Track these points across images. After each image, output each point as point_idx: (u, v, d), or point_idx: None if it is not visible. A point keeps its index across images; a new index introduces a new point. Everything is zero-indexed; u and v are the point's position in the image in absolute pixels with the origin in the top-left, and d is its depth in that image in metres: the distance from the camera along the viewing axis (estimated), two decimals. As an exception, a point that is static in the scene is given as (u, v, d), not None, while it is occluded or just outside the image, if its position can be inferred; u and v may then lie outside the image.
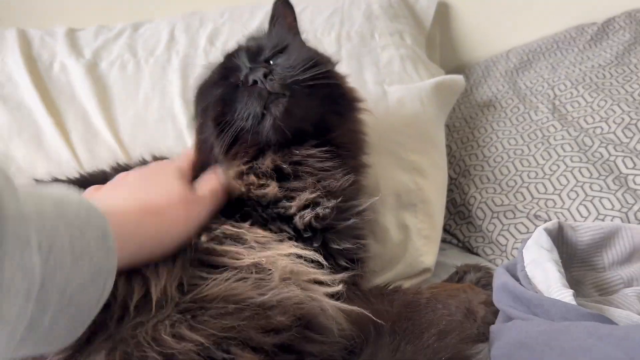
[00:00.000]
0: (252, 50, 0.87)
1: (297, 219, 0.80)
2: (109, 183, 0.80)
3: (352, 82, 1.20)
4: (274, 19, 0.96)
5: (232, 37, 1.32)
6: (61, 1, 1.56)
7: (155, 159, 0.98)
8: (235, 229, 0.76)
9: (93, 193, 0.77)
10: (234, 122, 0.82)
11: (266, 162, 0.83)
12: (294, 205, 0.80)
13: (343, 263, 0.82)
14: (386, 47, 1.32)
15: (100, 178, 0.91)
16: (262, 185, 0.81)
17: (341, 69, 1.23)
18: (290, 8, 0.98)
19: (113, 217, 0.59)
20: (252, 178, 0.82)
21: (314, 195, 0.80)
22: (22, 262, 0.43)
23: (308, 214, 0.80)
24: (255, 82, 0.80)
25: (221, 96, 0.85)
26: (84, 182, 0.93)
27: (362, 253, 0.86)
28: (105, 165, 1.00)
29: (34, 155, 1.13)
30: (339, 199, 0.82)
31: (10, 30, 1.32)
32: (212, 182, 0.82)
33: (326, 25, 1.35)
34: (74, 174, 0.97)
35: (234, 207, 0.81)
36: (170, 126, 1.15)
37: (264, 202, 0.81)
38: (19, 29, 1.33)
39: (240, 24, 1.36)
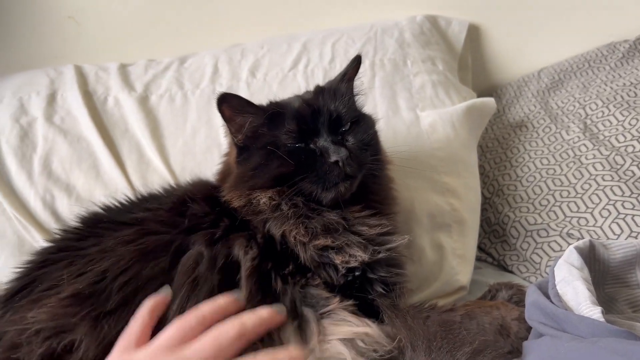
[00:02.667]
0: (333, 118, 0.93)
1: (339, 266, 0.88)
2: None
3: (385, 108, 1.27)
4: (346, 74, 1.02)
5: (272, 69, 1.40)
6: (112, 36, 1.66)
7: (202, 187, 1.05)
8: None
9: None
10: (299, 185, 0.89)
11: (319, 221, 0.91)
12: (339, 257, 0.88)
13: (379, 289, 0.89)
14: (418, 73, 1.37)
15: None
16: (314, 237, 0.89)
17: (375, 97, 1.30)
18: (360, 63, 1.05)
19: None
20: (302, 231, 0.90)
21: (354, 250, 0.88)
22: None
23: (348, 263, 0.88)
24: (336, 161, 0.88)
25: (297, 156, 0.90)
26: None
27: (398, 279, 0.93)
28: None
29: (93, 184, 1.22)
30: (374, 244, 0.90)
31: (68, 67, 1.43)
32: None
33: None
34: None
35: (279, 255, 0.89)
36: (216, 155, 1.23)
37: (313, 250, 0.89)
38: (76, 65, 1.44)
39: (278, 55, 1.44)
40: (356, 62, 1.03)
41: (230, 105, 0.92)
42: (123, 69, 1.44)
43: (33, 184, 1.20)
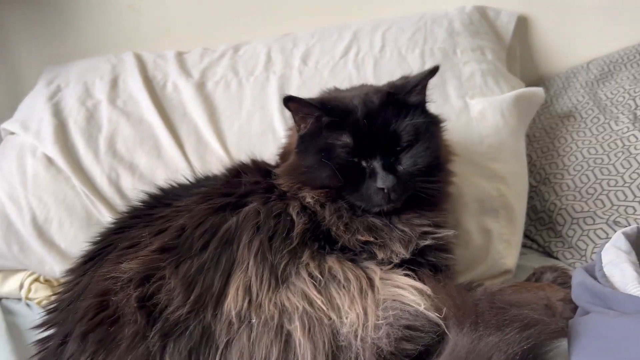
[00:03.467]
0: (390, 138, 0.94)
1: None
2: None
3: (434, 96, 1.29)
4: (419, 83, 0.98)
5: (323, 57, 1.44)
6: (169, 26, 1.73)
7: (255, 162, 1.11)
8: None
9: None
10: (346, 197, 0.95)
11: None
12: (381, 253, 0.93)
13: (428, 271, 0.93)
14: (468, 62, 1.39)
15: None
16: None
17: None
18: (435, 74, 1.00)
19: None
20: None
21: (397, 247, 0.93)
22: None
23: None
24: (382, 188, 0.91)
25: (347, 172, 0.94)
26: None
27: (447, 262, 0.98)
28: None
29: (155, 163, 1.29)
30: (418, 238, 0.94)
31: (128, 54, 1.51)
32: None
33: (410, 43, 1.43)
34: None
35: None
36: (270, 138, 1.28)
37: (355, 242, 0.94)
38: (135, 53, 1.51)
39: (329, 43, 1.48)
40: (432, 72, 0.99)
41: (295, 102, 0.96)
42: (180, 57, 1.50)
43: (99, 162, 1.28)
